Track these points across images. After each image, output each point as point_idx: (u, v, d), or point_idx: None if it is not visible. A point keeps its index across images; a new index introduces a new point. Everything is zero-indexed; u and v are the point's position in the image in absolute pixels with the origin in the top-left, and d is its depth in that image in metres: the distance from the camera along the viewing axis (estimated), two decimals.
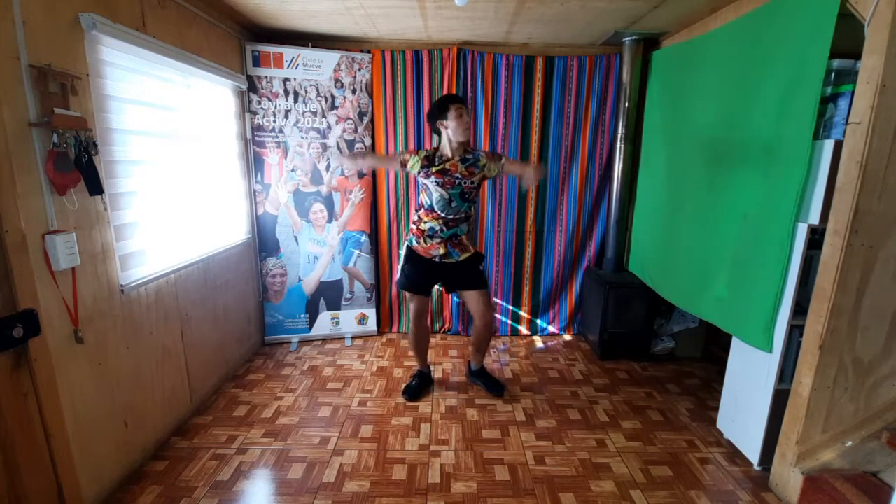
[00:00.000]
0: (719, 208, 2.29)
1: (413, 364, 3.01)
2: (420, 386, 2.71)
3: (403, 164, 2.43)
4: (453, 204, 2.38)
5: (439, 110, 2.36)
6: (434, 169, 2.36)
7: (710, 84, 2.43)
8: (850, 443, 1.81)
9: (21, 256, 1.45)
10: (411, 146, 3.35)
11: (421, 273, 2.51)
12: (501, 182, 3.40)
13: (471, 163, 2.39)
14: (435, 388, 2.78)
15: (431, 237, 2.43)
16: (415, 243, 2.49)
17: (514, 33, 3.01)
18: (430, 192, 2.40)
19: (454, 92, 3.24)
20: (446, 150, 2.39)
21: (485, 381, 2.75)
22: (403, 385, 2.74)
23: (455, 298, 3.54)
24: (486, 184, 3.38)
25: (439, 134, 2.42)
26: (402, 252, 2.58)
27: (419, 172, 2.39)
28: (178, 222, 2.35)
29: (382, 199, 3.44)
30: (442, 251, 2.43)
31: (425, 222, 2.43)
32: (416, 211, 2.51)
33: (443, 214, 2.40)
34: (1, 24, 1.39)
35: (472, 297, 2.54)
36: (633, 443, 2.29)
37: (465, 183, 2.37)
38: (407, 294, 2.60)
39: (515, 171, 2.44)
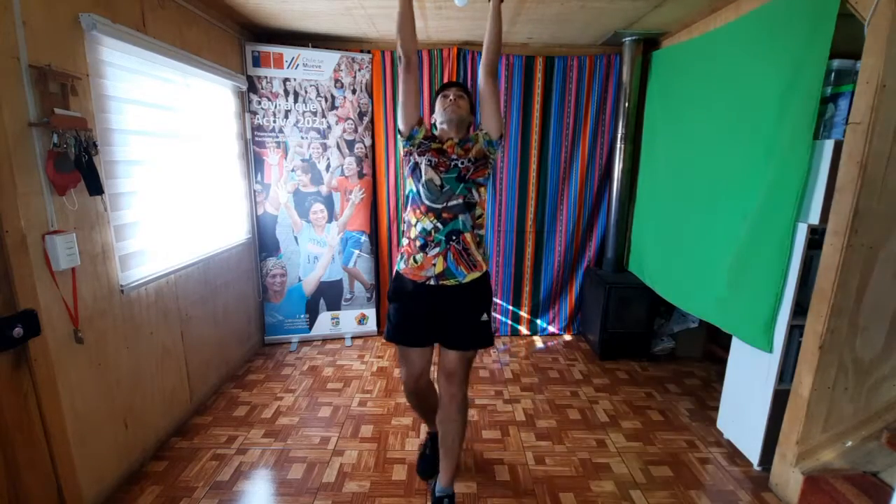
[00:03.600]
0: (719, 208, 2.29)
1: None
2: (435, 454, 1.94)
3: (420, 121, 1.84)
4: (445, 188, 1.78)
5: (434, 97, 1.97)
6: (433, 145, 1.83)
7: (710, 84, 2.43)
8: (850, 443, 1.81)
9: (21, 256, 1.45)
10: None
11: (410, 311, 1.81)
12: (501, 182, 3.40)
13: (466, 141, 1.85)
14: None
15: (425, 248, 1.76)
16: (402, 266, 1.82)
17: (514, 33, 3.01)
18: (420, 174, 1.82)
19: None
20: (444, 131, 1.87)
21: None
22: (417, 456, 2.16)
23: None
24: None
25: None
26: (389, 291, 1.90)
27: (416, 147, 1.84)
28: (178, 222, 2.35)
29: (382, 199, 3.44)
30: (440, 267, 1.74)
31: (416, 224, 1.81)
32: (405, 217, 1.89)
33: (434, 205, 1.78)
34: (1, 24, 1.39)
35: (451, 356, 1.78)
36: (633, 443, 2.29)
37: (461, 163, 1.81)
38: (398, 348, 1.87)
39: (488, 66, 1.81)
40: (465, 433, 1.86)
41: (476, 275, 1.79)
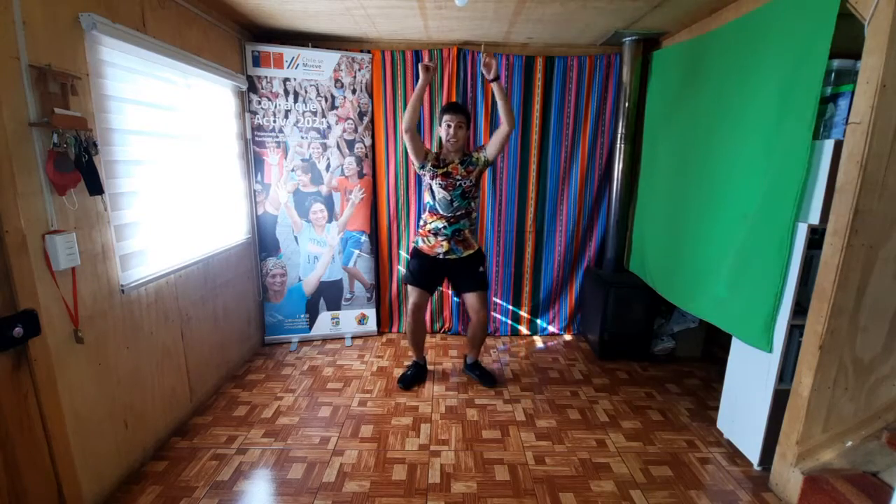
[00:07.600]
0: (719, 208, 2.29)
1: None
2: (414, 376, 2.85)
3: (426, 155, 2.54)
4: (454, 203, 2.57)
5: (440, 114, 2.55)
6: (439, 171, 2.54)
7: (710, 84, 2.43)
8: (850, 443, 1.81)
9: (21, 256, 1.45)
10: None
11: (425, 268, 2.66)
12: (501, 182, 3.40)
13: (468, 163, 2.57)
14: (435, 388, 2.78)
15: (436, 235, 2.59)
16: (421, 244, 2.66)
17: (513, 33, 3.01)
18: (434, 193, 2.58)
19: (454, 93, 3.24)
20: (447, 153, 2.58)
21: (479, 373, 2.89)
22: (399, 373, 2.90)
23: (455, 298, 3.54)
24: (486, 184, 3.39)
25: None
26: (408, 253, 2.73)
27: (427, 172, 2.56)
28: (178, 222, 2.35)
29: (382, 199, 3.44)
30: (445, 247, 2.59)
31: (430, 223, 2.62)
32: (421, 216, 2.70)
33: (446, 214, 2.58)
34: (1, 24, 1.39)
35: (470, 297, 2.72)
36: (633, 443, 2.29)
37: (465, 183, 2.56)
38: (408, 288, 2.73)
39: (497, 142, 2.48)
40: (484, 336, 2.85)
41: (471, 251, 2.65)
